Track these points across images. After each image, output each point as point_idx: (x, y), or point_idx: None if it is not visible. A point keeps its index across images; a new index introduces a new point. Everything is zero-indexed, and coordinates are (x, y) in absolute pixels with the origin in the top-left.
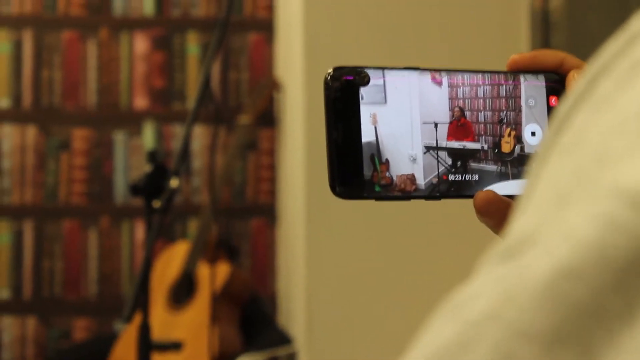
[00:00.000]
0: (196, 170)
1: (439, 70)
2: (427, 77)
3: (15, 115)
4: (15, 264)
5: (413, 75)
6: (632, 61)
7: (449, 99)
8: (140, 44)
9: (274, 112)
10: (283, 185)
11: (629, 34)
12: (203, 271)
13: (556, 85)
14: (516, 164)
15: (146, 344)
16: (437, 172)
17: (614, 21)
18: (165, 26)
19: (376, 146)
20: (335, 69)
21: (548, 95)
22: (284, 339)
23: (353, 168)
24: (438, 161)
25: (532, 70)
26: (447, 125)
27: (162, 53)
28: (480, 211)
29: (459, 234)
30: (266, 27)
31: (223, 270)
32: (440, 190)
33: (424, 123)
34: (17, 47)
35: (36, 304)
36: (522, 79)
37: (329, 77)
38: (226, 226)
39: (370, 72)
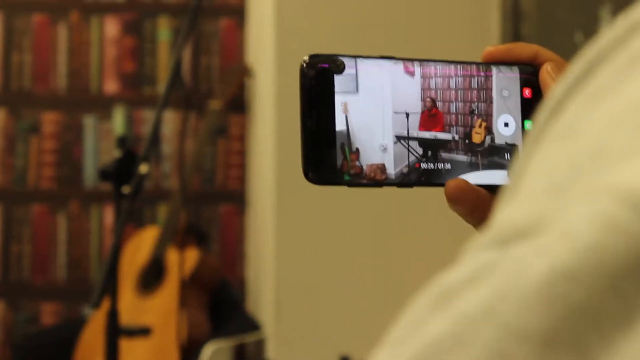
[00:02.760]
0: (166, 156)
1: (412, 60)
2: (400, 66)
3: None
4: None
5: (386, 64)
6: (632, 53)
7: (421, 89)
8: (111, 28)
9: (244, 98)
10: (253, 172)
11: (628, 23)
12: (172, 256)
13: (530, 77)
14: (487, 154)
15: (114, 329)
16: (407, 162)
17: (583, 12)
18: (136, 11)
19: (347, 135)
20: (311, 57)
21: (522, 87)
22: (252, 325)
23: (325, 155)
24: (409, 151)
25: (506, 62)
26: (418, 115)
27: (133, 37)
28: (451, 199)
29: (429, 221)
30: (237, 12)
31: (192, 255)
32: (411, 179)
33: (396, 113)
34: None
35: (4, 288)
36: (495, 70)
37: (304, 65)
38: (195, 212)
39: (344, 61)
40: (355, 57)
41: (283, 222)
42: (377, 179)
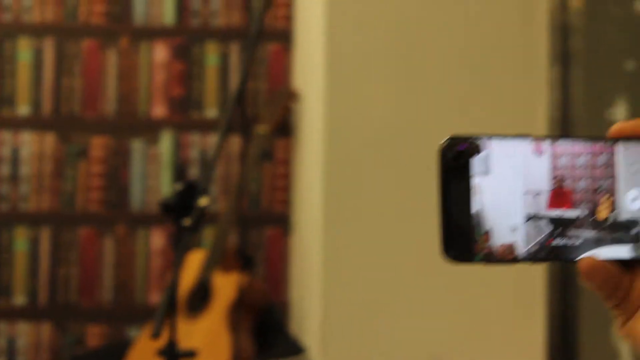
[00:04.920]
0: (213, 179)
1: (542, 139)
2: (531, 145)
3: (34, 122)
4: (31, 270)
5: (518, 144)
6: None
7: (550, 167)
8: (160, 52)
9: (290, 122)
10: (298, 195)
11: None
12: (218, 280)
13: None
14: (615, 229)
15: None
16: (537, 240)
17: (630, 27)
18: (185, 35)
19: (479, 216)
20: (449, 139)
21: None
22: (296, 349)
23: (459, 236)
24: (538, 230)
25: (634, 136)
26: (547, 194)
27: (182, 62)
28: (584, 276)
29: None
30: (284, 36)
31: (238, 279)
32: (541, 256)
33: (526, 192)
34: (38, 55)
35: (51, 309)
36: (622, 145)
37: (443, 147)
38: (242, 235)
39: (480, 142)
40: (490, 137)
41: (330, 244)
42: (507, 258)
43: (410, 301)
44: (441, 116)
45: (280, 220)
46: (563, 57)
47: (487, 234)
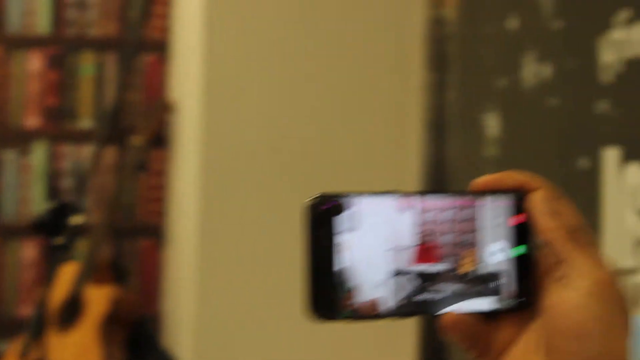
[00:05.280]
0: (86, 190)
1: (410, 194)
2: (398, 201)
3: None
4: None
5: (385, 200)
6: None
7: (416, 223)
8: (35, 62)
9: (165, 133)
10: (173, 206)
11: None
12: (91, 292)
13: (519, 205)
14: (477, 282)
15: None
16: (402, 295)
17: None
18: (60, 45)
19: (344, 273)
20: (315, 197)
21: (510, 214)
22: None
23: (325, 293)
24: (403, 285)
25: (497, 190)
26: (413, 249)
27: (56, 72)
28: (446, 330)
29: None
30: (161, 48)
31: (111, 292)
32: (406, 310)
33: (392, 248)
34: None
35: None
36: (485, 199)
37: (310, 204)
38: (115, 247)
39: (347, 199)
40: (358, 194)
41: (205, 256)
42: (372, 314)
43: (285, 314)
44: (318, 125)
45: (154, 232)
46: (438, 64)
47: (352, 291)
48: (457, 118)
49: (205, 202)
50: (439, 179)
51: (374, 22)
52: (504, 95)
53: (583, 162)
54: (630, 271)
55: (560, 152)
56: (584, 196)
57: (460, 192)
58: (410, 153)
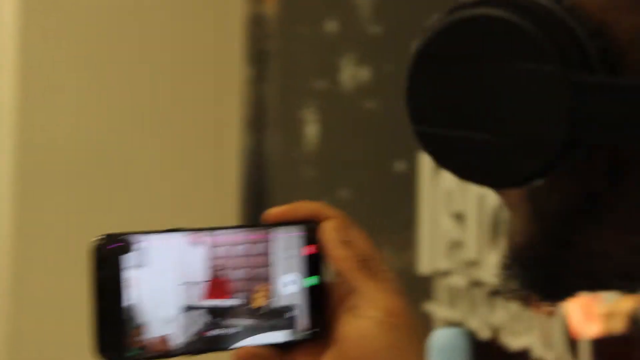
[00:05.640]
0: None
1: (199, 230)
2: (188, 237)
3: None
4: None
5: (175, 237)
6: None
7: (207, 258)
8: None
9: None
10: None
11: None
12: None
13: (311, 235)
14: (271, 316)
15: None
16: (193, 331)
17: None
18: None
19: (133, 310)
20: (101, 238)
21: (302, 245)
22: None
23: (112, 332)
24: (194, 320)
25: (288, 221)
26: (204, 284)
27: None
28: None
29: None
30: None
31: None
32: (197, 346)
33: (182, 283)
34: None
35: None
36: (277, 231)
37: (95, 245)
38: None
39: (134, 237)
40: (144, 233)
41: (19, 264)
42: (162, 351)
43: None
44: (138, 129)
45: None
46: (258, 61)
47: (140, 328)
48: (277, 117)
49: (18, 208)
50: (258, 177)
51: (192, 16)
52: (322, 97)
53: (400, 166)
54: (445, 273)
55: (377, 155)
56: (401, 199)
57: (253, 225)
58: (229, 149)
